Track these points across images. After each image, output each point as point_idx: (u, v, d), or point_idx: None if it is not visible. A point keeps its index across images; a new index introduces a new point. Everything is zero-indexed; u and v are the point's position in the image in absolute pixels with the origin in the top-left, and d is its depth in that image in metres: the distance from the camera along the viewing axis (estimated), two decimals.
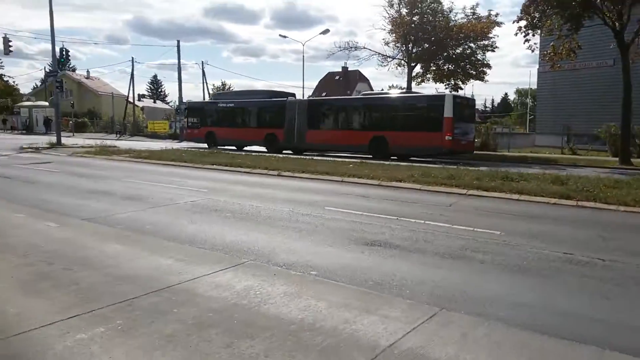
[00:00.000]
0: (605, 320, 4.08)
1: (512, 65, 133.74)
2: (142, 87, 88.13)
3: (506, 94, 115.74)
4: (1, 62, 72.81)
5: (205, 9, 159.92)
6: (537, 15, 21.14)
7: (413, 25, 29.76)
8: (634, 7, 19.81)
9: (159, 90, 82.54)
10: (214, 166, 15.66)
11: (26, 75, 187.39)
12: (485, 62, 30.76)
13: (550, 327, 3.81)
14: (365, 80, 75.92)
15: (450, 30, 29.54)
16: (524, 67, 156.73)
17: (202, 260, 5.46)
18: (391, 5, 30.49)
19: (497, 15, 29.53)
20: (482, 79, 31.14)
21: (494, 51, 30.11)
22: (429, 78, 32.24)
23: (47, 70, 39.90)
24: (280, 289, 4.60)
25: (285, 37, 52.81)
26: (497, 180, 11.58)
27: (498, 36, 34.14)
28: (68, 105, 49.44)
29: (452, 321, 3.90)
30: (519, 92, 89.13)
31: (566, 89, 33.81)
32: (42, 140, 27.98)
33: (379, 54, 32.09)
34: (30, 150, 23.19)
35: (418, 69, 32.00)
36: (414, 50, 30.74)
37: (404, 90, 31.55)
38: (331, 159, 19.62)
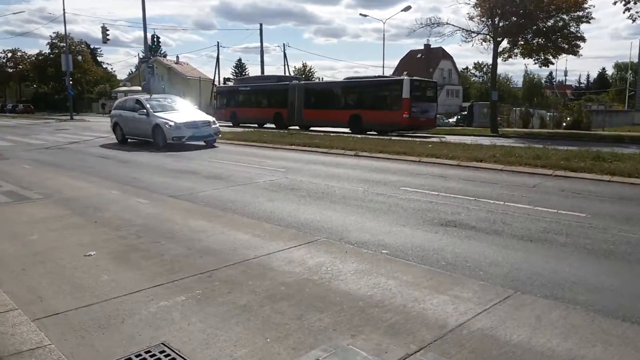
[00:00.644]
0: None
1: (611, 38, 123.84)
2: (227, 71, 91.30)
3: (603, 68, 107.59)
4: (100, 50, 78.20)
5: None
6: None
7: None
8: None
9: (243, 73, 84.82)
10: (293, 146, 15.96)
11: (122, 62, 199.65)
12: (579, 34, 28.65)
13: (635, 315, 3.59)
14: (448, 57, 73.44)
15: (540, 2, 27.69)
16: (624, 39, 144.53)
17: (277, 237, 5.65)
18: None
19: None
20: (575, 53, 28.98)
21: (589, 23, 27.87)
22: (516, 53, 30.53)
23: (141, 57, 42.34)
24: (351, 266, 4.68)
25: (365, 15, 52.96)
26: (588, 161, 10.86)
27: (594, 6, 31.66)
28: (159, 89, 52.19)
29: (526, 304, 3.78)
30: (618, 67, 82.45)
31: None
32: None
33: (463, 29, 30.79)
34: None
35: (505, 44, 30.38)
36: (500, 25, 29.15)
37: (378, 76, 34.15)
38: (399, 138, 19.34)
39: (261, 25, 43.70)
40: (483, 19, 29.83)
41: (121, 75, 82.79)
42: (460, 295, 3.94)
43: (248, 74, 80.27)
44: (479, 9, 29.36)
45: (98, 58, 78.37)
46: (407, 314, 3.62)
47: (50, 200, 8.01)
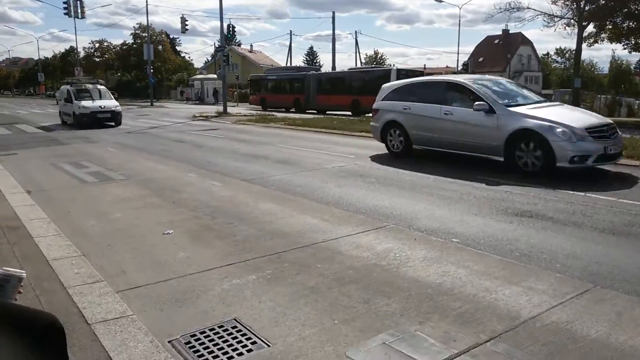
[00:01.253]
0: None
1: None
2: (299, 59, 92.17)
3: None
4: (179, 40, 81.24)
5: None
6: None
7: None
8: None
9: (315, 61, 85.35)
10: (362, 133, 15.89)
11: (199, 51, 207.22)
12: None
13: None
14: (528, 43, 69.92)
15: None
16: None
17: (345, 222, 5.68)
18: None
19: None
20: None
21: None
22: (603, 38, 28.59)
23: (216, 46, 43.62)
24: (420, 253, 4.63)
25: (441, 1, 50.72)
26: None
27: None
28: (233, 78, 53.60)
29: (606, 299, 3.58)
30: None
31: None
32: (211, 109, 31.05)
33: (545, 13, 29.22)
34: (200, 118, 25.74)
35: (591, 28, 28.54)
36: (586, 8, 27.43)
37: (374, 66, 39.93)
38: None
39: (333, 13, 43.98)
40: (567, 3, 28.11)
41: (198, 63, 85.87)
42: (535, 287, 3.80)
43: (319, 62, 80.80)
44: None
45: (177, 47, 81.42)
46: (478, 303, 3.54)
47: (132, 181, 8.50)
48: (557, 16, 28.98)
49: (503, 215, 5.97)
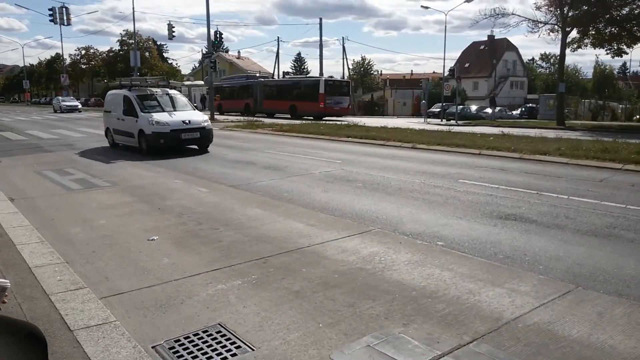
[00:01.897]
0: None
1: None
2: (287, 65, 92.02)
3: None
4: (166, 47, 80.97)
5: None
6: None
7: None
8: None
9: (302, 67, 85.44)
10: (349, 138, 15.95)
11: (187, 57, 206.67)
12: None
13: None
14: (513, 48, 70.63)
15: None
16: None
17: (331, 226, 5.70)
18: None
19: None
20: None
21: None
22: (586, 43, 28.99)
23: (204, 52, 43.44)
24: (404, 256, 4.65)
25: (427, 7, 51.19)
26: None
27: None
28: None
29: (587, 300, 3.63)
30: None
31: None
32: None
33: (530, 19, 29.60)
34: None
35: (574, 34, 28.93)
36: (569, 14, 27.82)
37: (307, 76, 43.76)
38: (459, 131, 18.86)
39: (321, 19, 44.02)
40: (551, 9, 28.52)
41: (185, 70, 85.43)
42: (518, 289, 3.84)
43: (307, 68, 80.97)
44: None
45: (164, 54, 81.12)
46: (461, 305, 3.57)
47: (118, 188, 8.44)
48: (541, 22, 29.39)
49: (487, 218, 6.03)
